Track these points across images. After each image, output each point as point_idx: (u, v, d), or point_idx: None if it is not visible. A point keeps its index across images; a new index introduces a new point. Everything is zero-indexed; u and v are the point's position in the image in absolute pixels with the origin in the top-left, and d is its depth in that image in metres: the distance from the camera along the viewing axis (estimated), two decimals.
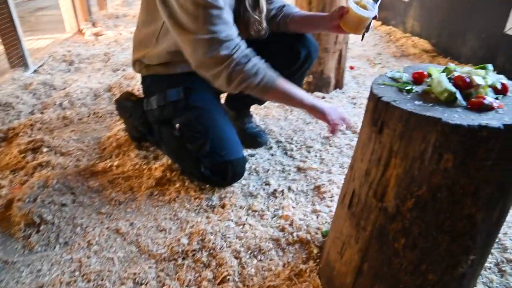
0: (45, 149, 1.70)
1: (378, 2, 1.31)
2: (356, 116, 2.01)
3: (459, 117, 0.77)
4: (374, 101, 0.86)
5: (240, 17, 1.31)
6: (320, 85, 2.27)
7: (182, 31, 1.16)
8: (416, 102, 0.83)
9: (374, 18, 1.33)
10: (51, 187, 1.42)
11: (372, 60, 3.03)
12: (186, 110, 1.36)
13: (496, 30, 2.61)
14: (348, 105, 2.17)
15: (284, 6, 1.48)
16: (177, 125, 1.36)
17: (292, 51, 1.46)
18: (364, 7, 1.30)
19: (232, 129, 1.44)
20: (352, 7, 1.29)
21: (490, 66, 0.93)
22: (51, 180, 1.45)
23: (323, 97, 2.23)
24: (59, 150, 1.71)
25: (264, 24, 1.38)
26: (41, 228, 1.26)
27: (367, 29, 1.34)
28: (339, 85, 2.34)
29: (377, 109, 0.85)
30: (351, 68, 2.78)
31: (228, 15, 1.18)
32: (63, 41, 3.54)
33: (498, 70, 2.68)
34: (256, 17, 1.33)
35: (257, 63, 1.19)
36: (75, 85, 2.42)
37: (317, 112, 1.24)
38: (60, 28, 3.98)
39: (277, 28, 1.49)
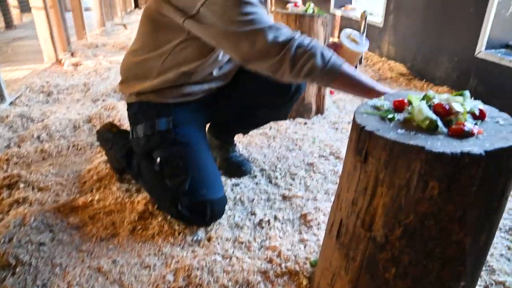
0: (21, 185, 1.64)
1: (364, 35, 1.36)
2: (339, 141, 2.03)
3: (441, 144, 0.78)
4: (358, 130, 0.86)
5: None
6: (302, 111, 2.29)
7: (232, 33, 1.10)
8: (399, 131, 0.84)
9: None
10: (28, 225, 1.36)
11: None
12: (172, 143, 1.34)
13: (467, 53, 2.71)
14: (330, 130, 2.19)
15: None
16: (158, 159, 1.34)
17: (281, 85, 1.46)
18: (354, 41, 1.35)
19: (214, 168, 1.42)
20: (345, 43, 1.33)
21: (467, 93, 0.96)
22: (28, 217, 1.39)
23: (305, 123, 2.25)
24: (37, 185, 1.65)
25: None
26: (17, 270, 1.20)
27: (360, 62, 1.38)
28: (320, 110, 2.37)
29: (361, 138, 0.85)
30: (331, 93, 2.82)
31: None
32: (41, 72, 3.49)
33: (471, 92, 2.79)
34: None
35: (319, 46, 1.10)
36: (53, 116, 2.38)
37: None
38: (38, 58, 3.94)
39: None
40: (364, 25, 1.40)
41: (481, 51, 2.59)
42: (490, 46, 2.60)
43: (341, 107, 2.56)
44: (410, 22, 3.46)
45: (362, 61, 1.42)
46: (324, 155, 1.87)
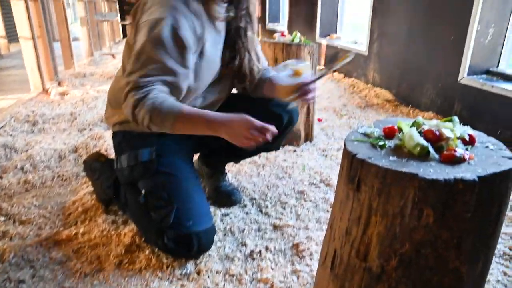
0: (2, 218, 1.58)
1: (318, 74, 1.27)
2: (328, 168, 2.02)
3: (434, 171, 0.78)
4: (349, 158, 0.85)
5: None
6: (291, 138, 2.29)
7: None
8: (391, 158, 0.83)
9: (309, 83, 1.27)
10: (7, 262, 1.30)
11: (338, 112, 3.13)
12: (155, 174, 1.31)
13: (450, 79, 2.78)
14: (319, 157, 2.19)
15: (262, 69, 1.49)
16: (143, 191, 1.30)
17: (274, 117, 1.42)
18: (298, 73, 1.27)
19: (201, 197, 1.37)
20: (277, 72, 1.29)
21: (456, 118, 0.97)
22: (8, 253, 1.33)
23: (294, 150, 2.24)
24: (18, 218, 1.59)
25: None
26: None
27: (300, 96, 1.28)
28: (309, 138, 2.38)
29: (353, 166, 0.84)
30: (319, 120, 2.84)
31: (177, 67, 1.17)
32: (27, 101, 3.45)
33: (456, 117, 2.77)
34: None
35: (156, 97, 1.14)
36: (38, 146, 2.32)
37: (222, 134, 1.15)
38: (25, 88, 3.90)
39: (253, 90, 1.49)
40: (336, 64, 1.24)
41: (464, 77, 2.66)
42: (472, 72, 2.67)
43: (330, 134, 2.57)
44: (393, 50, 3.55)
45: (304, 96, 1.29)
46: (315, 183, 1.85)
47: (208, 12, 1.25)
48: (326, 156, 2.20)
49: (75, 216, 1.60)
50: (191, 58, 1.21)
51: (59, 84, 4.19)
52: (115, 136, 1.44)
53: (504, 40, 2.60)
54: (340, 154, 2.20)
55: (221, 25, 1.34)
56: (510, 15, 2.53)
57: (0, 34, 7.01)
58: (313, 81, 1.29)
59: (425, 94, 3.10)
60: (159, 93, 1.14)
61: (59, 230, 1.51)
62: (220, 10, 1.29)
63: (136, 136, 1.36)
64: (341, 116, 3.01)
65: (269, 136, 1.14)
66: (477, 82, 2.55)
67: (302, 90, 1.29)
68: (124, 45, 1.36)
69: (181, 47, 1.16)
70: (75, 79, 4.52)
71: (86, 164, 1.69)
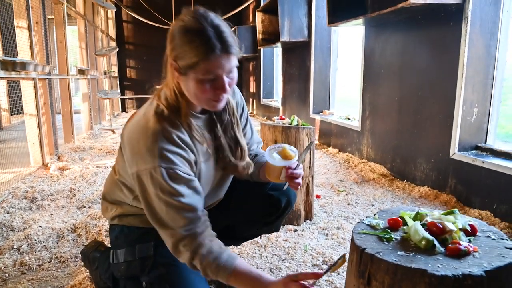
0: None
1: (299, 156, 1.30)
2: (330, 248, 2.01)
3: (442, 266, 0.80)
4: (358, 252, 0.88)
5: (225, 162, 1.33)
6: (291, 218, 2.31)
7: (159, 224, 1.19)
8: (399, 252, 0.86)
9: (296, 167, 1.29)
10: None
11: (336, 188, 3.17)
12: (154, 267, 1.28)
13: (443, 155, 2.88)
14: (320, 236, 2.19)
15: (256, 155, 1.50)
16: (143, 284, 1.27)
17: (272, 201, 1.43)
18: (287, 157, 1.29)
19: (204, 284, 1.33)
20: (267, 158, 1.29)
21: (456, 211, 1.01)
22: None
23: (295, 230, 2.24)
24: None
25: (245, 162, 1.38)
26: None
27: (289, 179, 1.30)
28: (309, 216, 2.39)
29: (362, 261, 0.87)
30: (318, 197, 2.87)
31: (194, 197, 1.18)
32: (26, 176, 3.47)
33: (451, 191, 2.85)
34: (238, 162, 1.35)
35: (209, 251, 1.15)
36: (36, 225, 2.30)
37: None
38: (24, 161, 3.93)
39: (249, 177, 1.48)
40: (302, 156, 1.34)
41: (455, 153, 2.76)
42: (462, 148, 2.78)
43: (329, 211, 2.58)
44: (386, 126, 3.71)
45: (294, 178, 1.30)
46: (318, 264, 1.83)
47: (191, 134, 1.23)
48: (327, 235, 2.20)
49: None
50: (198, 183, 1.22)
51: (59, 158, 4.25)
52: (112, 229, 1.42)
53: (488, 118, 2.75)
54: (340, 232, 2.20)
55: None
56: (491, 96, 2.71)
57: (3, 107, 7.19)
58: (298, 165, 1.31)
59: (419, 168, 3.19)
60: (209, 244, 1.16)
61: None
62: (198, 123, 1.27)
63: (133, 231, 1.34)
64: (339, 192, 3.06)
65: None
66: (469, 157, 2.64)
67: (290, 173, 1.29)
68: (118, 152, 1.34)
69: (185, 182, 1.17)
70: (74, 153, 4.58)
71: (84, 254, 1.64)
